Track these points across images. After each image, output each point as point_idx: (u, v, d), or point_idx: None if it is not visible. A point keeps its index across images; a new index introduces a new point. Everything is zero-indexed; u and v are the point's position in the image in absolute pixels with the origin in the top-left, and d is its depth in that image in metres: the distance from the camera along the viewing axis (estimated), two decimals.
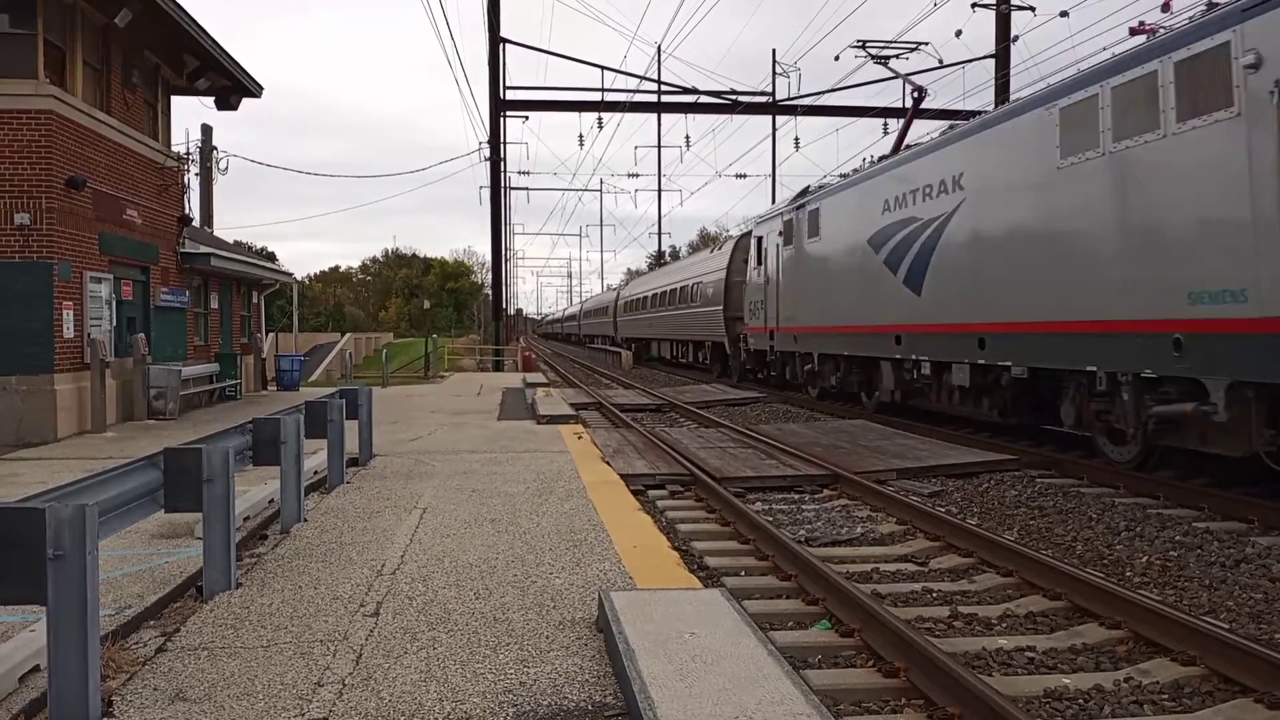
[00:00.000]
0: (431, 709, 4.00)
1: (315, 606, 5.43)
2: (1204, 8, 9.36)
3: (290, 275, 31.85)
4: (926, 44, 24.14)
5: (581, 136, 55.88)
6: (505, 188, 42.01)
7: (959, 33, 28.34)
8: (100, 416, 14.90)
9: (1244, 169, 8.46)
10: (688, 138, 76.01)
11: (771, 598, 6.47)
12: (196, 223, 22.90)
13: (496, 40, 33.46)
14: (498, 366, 38.39)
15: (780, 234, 21.42)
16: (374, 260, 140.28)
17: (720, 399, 22.19)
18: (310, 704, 4.04)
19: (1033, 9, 28.81)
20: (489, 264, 50.74)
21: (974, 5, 29.29)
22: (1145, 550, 7.71)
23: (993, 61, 30.78)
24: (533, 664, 4.50)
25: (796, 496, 10.24)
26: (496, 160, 34.51)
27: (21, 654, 4.58)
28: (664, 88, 35.25)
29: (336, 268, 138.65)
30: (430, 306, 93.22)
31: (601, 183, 68.13)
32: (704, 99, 34.32)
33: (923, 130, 41.84)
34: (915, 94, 20.32)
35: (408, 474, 10.31)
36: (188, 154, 21.22)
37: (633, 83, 39.69)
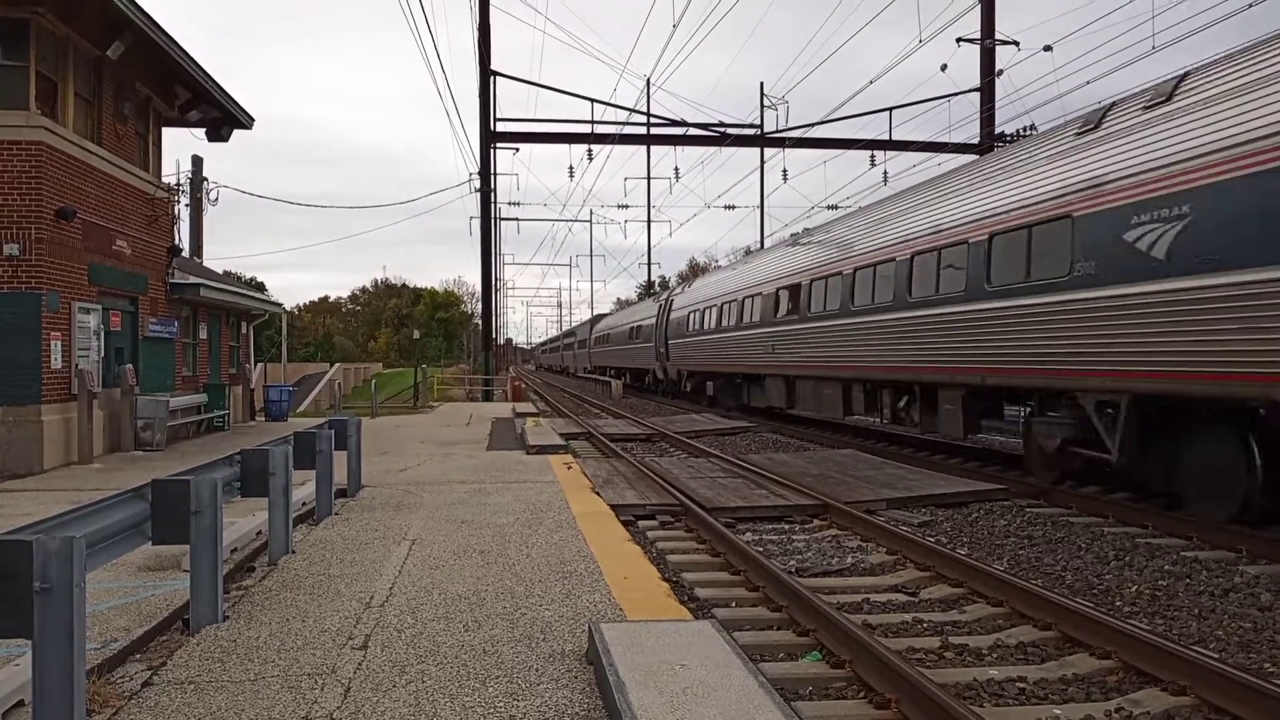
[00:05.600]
0: None
1: (303, 639, 5.39)
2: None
3: (279, 305, 31.83)
4: None
5: (571, 168, 55.85)
6: (495, 218, 42.11)
7: (944, 67, 28.77)
8: (87, 448, 14.81)
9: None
10: (677, 169, 76.62)
11: (762, 629, 6.45)
12: (186, 253, 22.91)
13: (487, 73, 33.75)
14: (487, 396, 38.32)
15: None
16: (363, 290, 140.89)
17: (710, 429, 22.20)
18: None
19: (1017, 43, 29.27)
20: (479, 294, 50.85)
21: (959, 40, 29.75)
22: (1134, 580, 7.73)
23: (978, 95, 31.21)
24: (522, 697, 4.48)
25: (787, 526, 10.22)
26: (486, 191, 34.69)
27: (6, 688, 4.53)
28: (653, 120, 35.56)
29: (326, 298, 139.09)
30: (420, 336, 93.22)
31: (591, 213, 68.23)
32: (693, 131, 34.63)
33: (909, 161, 41.92)
34: None
35: (396, 505, 10.26)
36: (178, 185, 21.29)
37: (622, 115, 40.00)
